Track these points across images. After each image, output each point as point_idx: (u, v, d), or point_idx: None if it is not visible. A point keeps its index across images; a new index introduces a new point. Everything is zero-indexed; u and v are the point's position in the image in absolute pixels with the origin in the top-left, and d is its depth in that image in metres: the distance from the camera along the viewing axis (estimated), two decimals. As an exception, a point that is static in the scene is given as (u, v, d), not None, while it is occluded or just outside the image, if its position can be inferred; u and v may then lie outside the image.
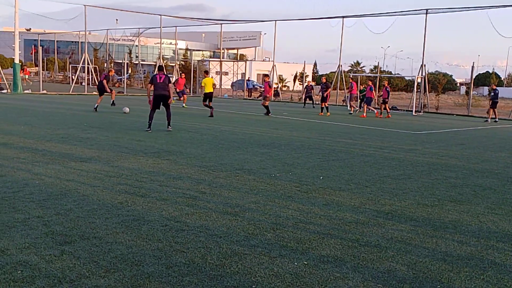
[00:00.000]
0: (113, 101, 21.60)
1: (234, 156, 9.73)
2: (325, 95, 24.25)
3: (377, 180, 8.02)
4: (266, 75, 23.77)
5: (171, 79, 14.23)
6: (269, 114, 21.20)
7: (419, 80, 30.88)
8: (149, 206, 5.77)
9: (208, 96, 19.61)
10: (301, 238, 4.89)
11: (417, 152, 11.73)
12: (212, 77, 20.77)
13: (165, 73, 14.20)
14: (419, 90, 31.04)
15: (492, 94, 25.05)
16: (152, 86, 13.85)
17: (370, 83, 25.70)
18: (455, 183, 8.08)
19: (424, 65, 30.48)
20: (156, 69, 14.29)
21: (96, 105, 19.78)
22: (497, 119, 24.79)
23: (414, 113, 28.44)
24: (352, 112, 25.76)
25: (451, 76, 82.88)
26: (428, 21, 29.89)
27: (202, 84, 19.86)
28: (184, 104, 24.57)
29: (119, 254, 4.21)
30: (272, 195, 6.58)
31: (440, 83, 36.30)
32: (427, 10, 29.86)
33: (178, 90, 24.95)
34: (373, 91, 25.46)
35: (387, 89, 25.07)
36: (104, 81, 20.45)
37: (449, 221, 5.75)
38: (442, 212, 6.15)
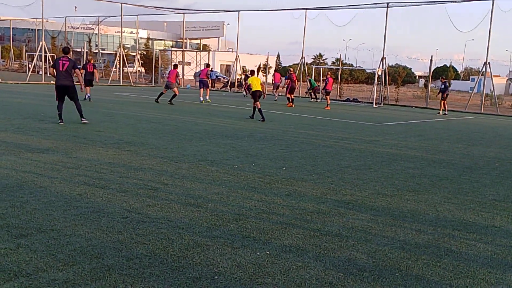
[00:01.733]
0: (89, 96, 20.08)
1: (197, 147, 9.65)
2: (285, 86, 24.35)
3: (338, 170, 8.13)
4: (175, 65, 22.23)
5: (77, 64, 12.21)
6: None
7: (379, 73, 31.46)
8: (109, 197, 5.66)
9: (259, 95, 16.31)
10: (264, 228, 4.90)
11: (377, 143, 11.96)
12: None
13: (71, 57, 12.30)
14: (379, 82, 31.61)
15: (442, 86, 25.10)
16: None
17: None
18: (414, 173, 8.29)
19: (385, 58, 31.07)
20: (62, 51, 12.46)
21: (87, 95, 19.48)
22: (446, 112, 24.85)
23: (374, 105, 28.97)
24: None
25: (410, 69, 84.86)
26: (389, 14, 30.44)
27: (249, 82, 17.13)
28: (205, 98, 23.42)
29: (78, 247, 4.11)
30: (235, 186, 6.57)
31: (400, 76, 37.09)
32: (387, 3, 30.36)
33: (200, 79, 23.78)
34: (294, 81, 25.18)
35: (327, 80, 25.48)
36: (95, 71, 20.74)
37: (407, 210, 5.89)
38: (401, 202, 6.29)
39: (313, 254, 4.29)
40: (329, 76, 25.85)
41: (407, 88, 54.60)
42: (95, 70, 20.81)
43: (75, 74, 12.05)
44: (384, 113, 23.60)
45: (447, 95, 25.02)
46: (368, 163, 8.97)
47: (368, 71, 68.56)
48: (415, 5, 30.86)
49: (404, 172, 8.31)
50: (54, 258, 3.86)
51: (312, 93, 31.26)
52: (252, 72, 18.23)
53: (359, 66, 79.35)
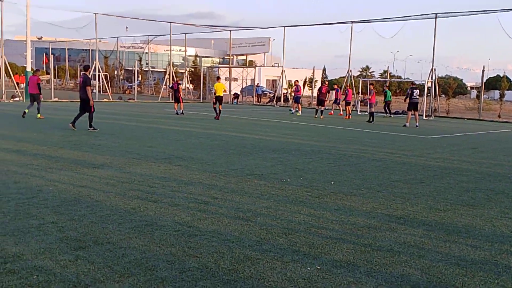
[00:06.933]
0: (182, 111, 23.63)
1: (245, 161, 9.75)
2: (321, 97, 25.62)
3: (389, 184, 7.99)
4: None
5: (91, 81, 15.35)
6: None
7: (429, 85, 30.78)
8: (162, 211, 5.81)
9: (218, 100, 21.11)
10: (314, 243, 4.89)
11: (429, 156, 11.67)
12: (223, 83, 22.62)
13: (88, 74, 15.01)
14: (429, 94, 30.90)
15: (409, 92, 21.06)
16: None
17: (326, 84, 30.00)
18: (468, 187, 8.03)
19: (434, 69, 30.36)
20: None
21: (176, 111, 23.61)
22: (417, 124, 20.93)
23: (425, 118, 28.30)
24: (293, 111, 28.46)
25: (461, 80, 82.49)
26: (438, 25, 29.86)
27: (215, 88, 21.64)
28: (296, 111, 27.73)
29: (133, 259, 4.24)
30: (283, 200, 6.59)
31: (450, 87, 36.06)
32: (436, 14, 29.76)
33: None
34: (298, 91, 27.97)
35: (347, 91, 27.53)
36: (180, 89, 24.31)
37: (462, 226, 5.72)
38: (455, 217, 6.11)
39: (364, 269, 4.23)
40: (348, 88, 27.81)
41: (458, 100, 53.04)
42: (179, 87, 24.17)
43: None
44: (435, 125, 23.02)
45: (415, 103, 21.04)
46: (419, 177, 8.77)
47: (417, 82, 67.09)
48: (465, 15, 30.11)
49: (458, 186, 8.07)
50: (111, 269, 4.00)
51: (386, 108, 29.14)
52: (218, 78, 22.58)
53: (408, 78, 77.86)
